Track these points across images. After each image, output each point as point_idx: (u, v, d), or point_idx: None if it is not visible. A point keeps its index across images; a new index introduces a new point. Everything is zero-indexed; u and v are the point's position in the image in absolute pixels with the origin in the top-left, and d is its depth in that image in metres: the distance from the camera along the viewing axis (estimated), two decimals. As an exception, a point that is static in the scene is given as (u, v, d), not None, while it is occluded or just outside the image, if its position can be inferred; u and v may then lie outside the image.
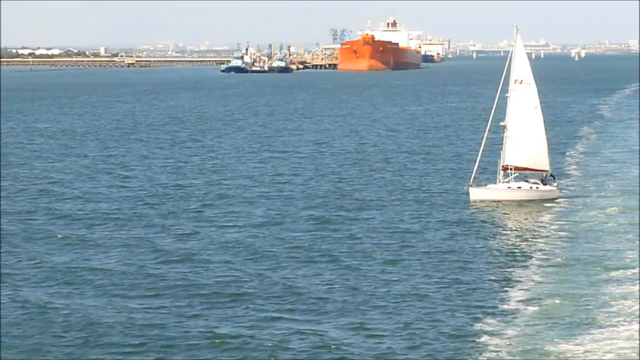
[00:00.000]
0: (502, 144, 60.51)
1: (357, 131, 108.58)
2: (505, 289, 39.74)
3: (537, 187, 60.04)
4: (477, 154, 60.69)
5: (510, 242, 48.71)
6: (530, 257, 45.40)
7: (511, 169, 60.28)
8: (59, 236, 49.71)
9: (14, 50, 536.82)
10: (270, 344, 32.40)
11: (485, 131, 60.79)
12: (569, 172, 71.93)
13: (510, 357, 31.50)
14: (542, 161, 60.45)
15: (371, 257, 44.90)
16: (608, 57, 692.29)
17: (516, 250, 46.89)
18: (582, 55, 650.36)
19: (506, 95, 60.33)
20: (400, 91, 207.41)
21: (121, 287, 40.08)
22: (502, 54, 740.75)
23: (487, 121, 60.57)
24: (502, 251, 46.73)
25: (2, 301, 37.85)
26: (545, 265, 43.85)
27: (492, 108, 60.50)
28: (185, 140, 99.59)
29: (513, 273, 42.32)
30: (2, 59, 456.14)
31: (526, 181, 60.51)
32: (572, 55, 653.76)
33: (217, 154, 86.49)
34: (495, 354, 31.71)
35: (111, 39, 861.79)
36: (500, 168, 60.41)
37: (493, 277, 41.47)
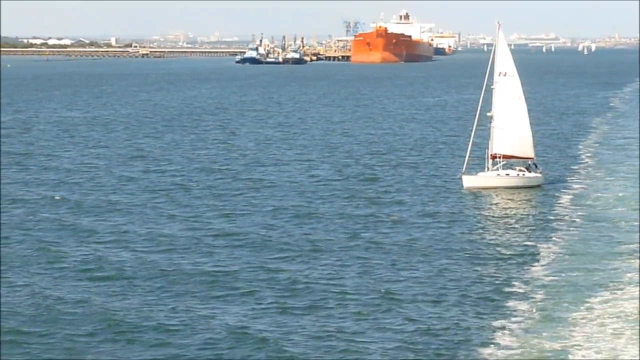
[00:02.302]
0: (490, 133, 63.98)
1: (368, 122, 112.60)
2: (511, 262, 43.40)
3: (523, 174, 63.48)
4: (469, 144, 64.06)
5: (504, 225, 52.32)
6: (528, 236, 49.25)
7: (499, 157, 63.60)
8: (78, 226, 50.64)
9: (25, 40, 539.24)
10: (274, 338, 32.91)
11: (474, 122, 64.17)
12: (557, 160, 75.92)
13: (527, 325, 34.62)
14: (527, 149, 63.85)
15: (375, 243, 47.02)
16: (618, 51, 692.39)
17: (511, 231, 50.62)
18: (593, 49, 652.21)
19: (491, 87, 63.64)
20: (412, 83, 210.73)
21: (136, 280, 40.09)
22: (512, 47, 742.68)
23: (477, 113, 63.74)
24: (499, 232, 50.26)
25: (13, 295, 37.95)
26: (544, 242, 47.59)
27: (479, 100, 63.79)
28: (211, 129, 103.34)
29: (516, 249, 46.06)
30: (17, 49, 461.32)
31: (512, 168, 64.04)
32: (580, 49, 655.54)
33: (239, 143, 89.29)
34: (510, 324, 34.75)
35: (120, 30, 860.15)
36: (489, 156, 63.74)
37: (498, 255, 44.94)
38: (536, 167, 64.51)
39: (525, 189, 62.28)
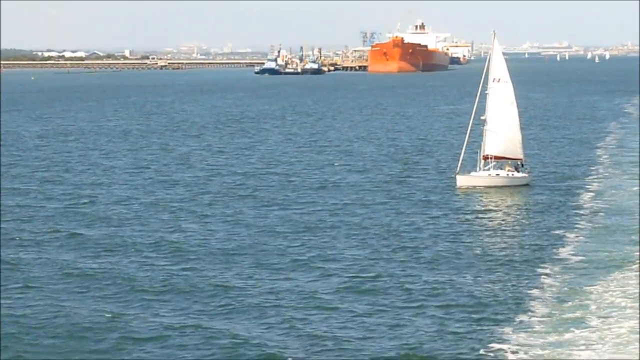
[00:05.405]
0: (482, 136, 67.57)
1: (385, 127, 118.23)
2: (504, 253, 47.08)
3: (512, 174, 67.07)
4: (463, 146, 67.74)
5: (496, 219, 56.41)
6: (515, 228, 53.44)
7: (491, 158, 67.15)
8: (92, 236, 51.28)
9: (40, 53, 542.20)
10: (270, 344, 33.32)
11: (468, 125, 67.62)
12: (546, 162, 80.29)
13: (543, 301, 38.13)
14: (516, 150, 67.37)
15: (378, 240, 49.61)
16: (630, 58, 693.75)
17: (504, 224, 54.65)
18: (607, 57, 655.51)
19: (486, 92, 67.17)
20: (429, 92, 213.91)
21: (140, 289, 40.47)
22: (526, 56, 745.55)
23: (472, 117, 67.37)
24: (492, 225, 54.24)
25: (18, 305, 38.20)
26: (532, 233, 51.85)
27: (474, 104, 67.38)
28: (237, 134, 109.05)
29: (505, 240, 50.06)
30: (35, 62, 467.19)
31: (502, 169, 67.49)
32: (589, 57, 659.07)
33: (260, 151, 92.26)
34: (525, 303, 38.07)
35: (132, 42, 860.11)
36: (481, 157, 67.32)
37: (489, 245, 48.74)
38: (523, 167, 68.06)
39: (514, 188, 66.06)
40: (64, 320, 36.09)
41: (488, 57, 68.62)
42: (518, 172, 67.63)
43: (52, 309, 37.52)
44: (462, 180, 66.94)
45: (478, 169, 67.79)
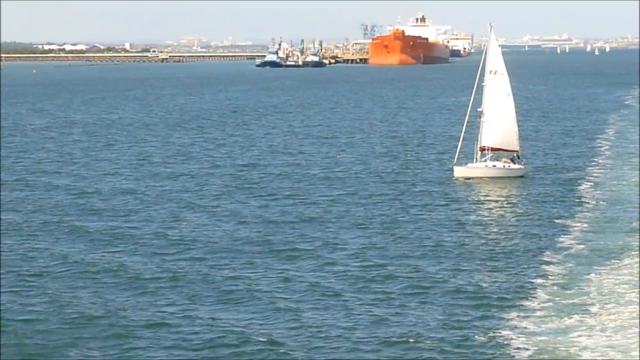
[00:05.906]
0: (479, 127, 68.70)
1: (387, 120, 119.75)
2: (505, 242, 47.88)
3: (508, 166, 67.99)
4: (460, 137, 68.69)
5: (496, 209, 57.54)
6: (521, 218, 54.41)
7: (487, 150, 68.19)
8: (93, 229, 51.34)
9: (40, 46, 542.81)
10: (269, 339, 33.13)
11: (465, 116, 68.95)
12: (541, 154, 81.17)
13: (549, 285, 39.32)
14: (512, 142, 68.24)
15: (381, 230, 50.58)
16: (630, 51, 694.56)
17: (505, 214, 55.78)
18: (607, 49, 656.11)
19: (482, 84, 68.15)
20: (430, 85, 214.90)
21: (147, 278, 40.81)
22: (526, 49, 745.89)
23: (469, 109, 68.41)
24: (492, 215, 55.29)
25: (23, 299, 38.17)
26: (525, 222, 52.95)
27: (471, 96, 68.49)
28: (239, 127, 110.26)
29: (512, 229, 51.16)
30: (37, 55, 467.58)
31: (499, 160, 68.52)
32: (589, 49, 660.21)
33: (262, 143, 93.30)
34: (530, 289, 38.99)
35: (132, 35, 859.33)
36: (478, 149, 68.36)
37: (494, 235, 49.71)
38: (519, 158, 68.90)
39: (510, 179, 67.10)
40: (70, 310, 36.33)
41: (484, 50, 69.59)
42: (514, 163, 68.45)
43: (58, 299, 37.88)
44: (459, 171, 67.97)
45: (475, 160, 68.73)
